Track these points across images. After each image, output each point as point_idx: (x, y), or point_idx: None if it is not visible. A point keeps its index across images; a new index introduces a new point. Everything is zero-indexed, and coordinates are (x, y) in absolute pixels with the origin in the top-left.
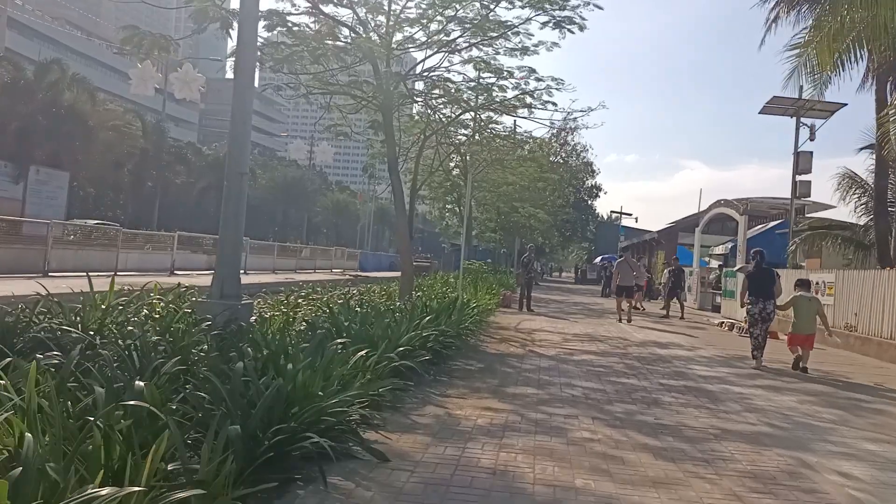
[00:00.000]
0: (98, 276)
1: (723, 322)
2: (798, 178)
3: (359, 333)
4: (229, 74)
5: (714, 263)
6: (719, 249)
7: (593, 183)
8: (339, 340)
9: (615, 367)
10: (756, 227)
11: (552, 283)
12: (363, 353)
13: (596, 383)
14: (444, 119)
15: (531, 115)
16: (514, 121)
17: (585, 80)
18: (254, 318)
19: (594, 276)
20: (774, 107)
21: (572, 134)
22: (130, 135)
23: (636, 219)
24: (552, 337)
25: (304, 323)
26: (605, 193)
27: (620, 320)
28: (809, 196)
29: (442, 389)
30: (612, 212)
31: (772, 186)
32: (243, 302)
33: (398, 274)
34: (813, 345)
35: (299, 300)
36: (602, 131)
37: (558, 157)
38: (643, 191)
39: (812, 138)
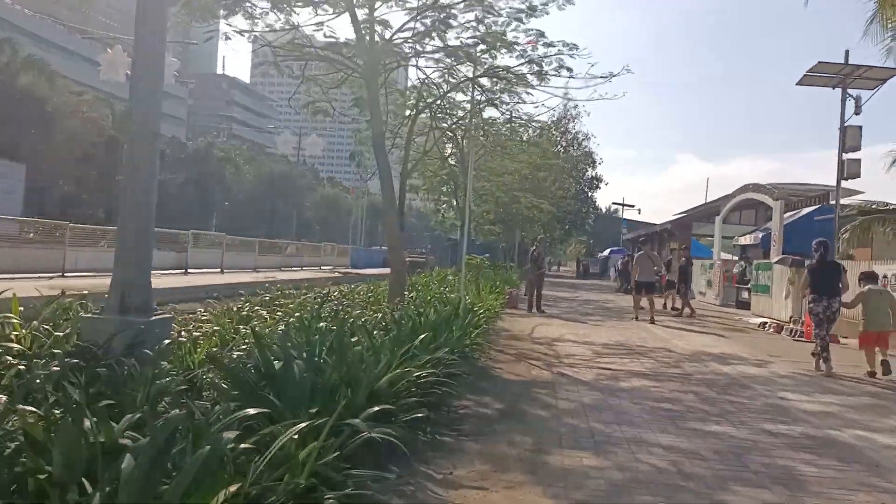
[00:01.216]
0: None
1: (766, 323)
2: (846, 156)
3: (303, 383)
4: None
5: (724, 254)
6: (745, 239)
7: (594, 174)
8: (250, 411)
9: (684, 399)
10: (788, 214)
11: (553, 277)
12: (301, 428)
13: (676, 436)
14: (438, 88)
15: (543, 83)
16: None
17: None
18: (169, 340)
19: (597, 270)
20: (817, 75)
21: (574, 121)
22: (96, 123)
23: (639, 210)
24: (579, 349)
25: (245, 344)
26: (607, 185)
27: (637, 318)
28: (859, 176)
29: (445, 464)
30: (613, 203)
31: (765, 180)
32: (156, 317)
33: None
34: (888, 343)
35: (256, 308)
36: (599, 125)
37: (559, 147)
38: (640, 185)
39: (858, 112)
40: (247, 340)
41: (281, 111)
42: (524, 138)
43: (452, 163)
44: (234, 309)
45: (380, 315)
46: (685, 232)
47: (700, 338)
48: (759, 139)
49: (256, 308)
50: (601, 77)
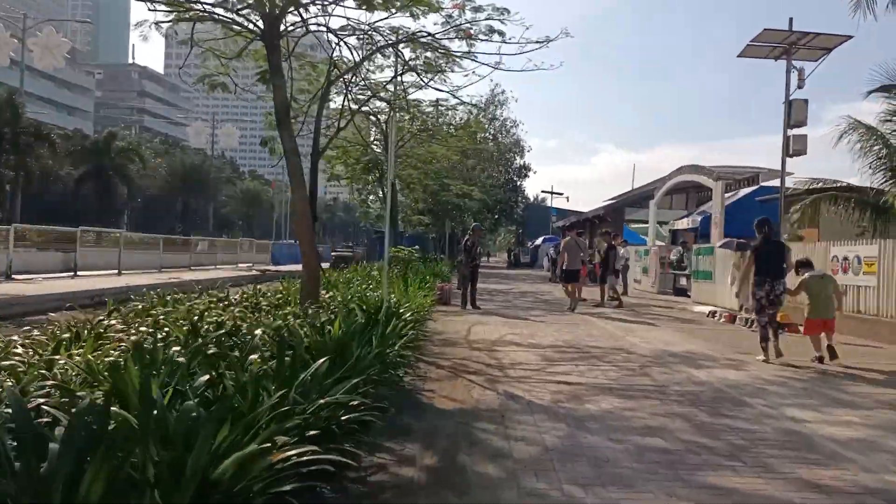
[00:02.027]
0: None
1: (715, 312)
2: (791, 132)
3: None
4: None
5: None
6: (681, 223)
7: (523, 162)
8: None
9: (674, 429)
10: (726, 196)
11: (484, 268)
12: None
13: (693, 503)
14: (354, 52)
15: (472, 51)
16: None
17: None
18: None
19: (528, 259)
20: (761, 45)
21: (501, 107)
22: None
23: (567, 198)
24: (526, 355)
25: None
26: (535, 173)
27: (574, 309)
28: (805, 152)
29: None
30: (542, 191)
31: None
32: None
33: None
34: (834, 329)
35: (109, 324)
36: (523, 115)
37: (488, 133)
38: (565, 174)
39: (801, 85)
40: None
41: (198, 103)
42: (452, 122)
43: (377, 149)
44: (75, 324)
45: (282, 322)
46: (618, 218)
47: (654, 332)
48: (679, 128)
49: (112, 324)
50: (537, 42)
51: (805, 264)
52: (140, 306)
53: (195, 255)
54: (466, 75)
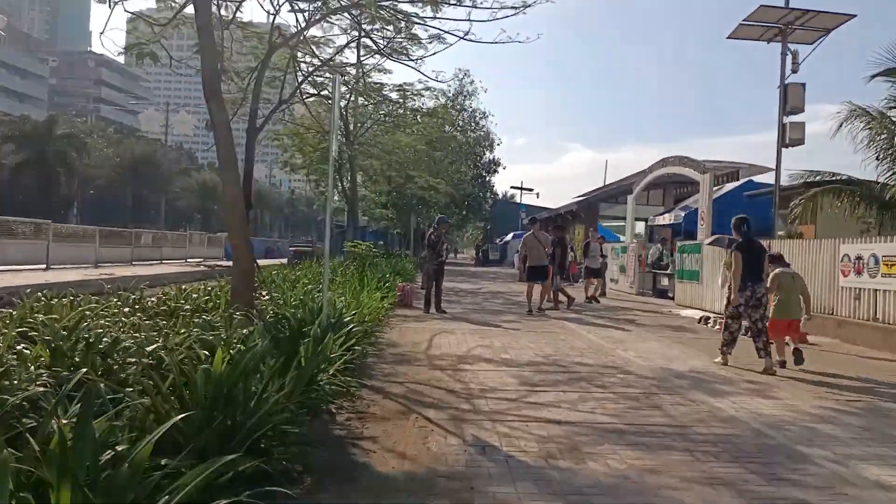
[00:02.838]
0: None
1: (708, 318)
2: (787, 119)
3: None
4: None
5: (629, 238)
6: (663, 219)
7: (492, 157)
8: None
9: None
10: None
11: (451, 265)
12: None
13: None
14: (299, 17)
15: (438, 17)
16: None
17: (472, 68)
18: None
19: (497, 256)
20: (754, 24)
21: (470, 98)
22: None
23: (537, 194)
24: (500, 377)
25: None
26: (504, 168)
27: (530, 312)
28: (803, 142)
29: None
30: (512, 186)
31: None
32: None
33: (273, 262)
34: (799, 330)
35: None
36: (494, 113)
37: (456, 124)
38: (535, 172)
39: (796, 69)
40: None
41: (157, 92)
42: (418, 108)
43: (338, 137)
44: None
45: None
46: (592, 214)
47: (647, 344)
48: (644, 129)
49: None
50: (512, 7)
51: (777, 259)
52: (13, 313)
53: (138, 249)
54: (431, 42)
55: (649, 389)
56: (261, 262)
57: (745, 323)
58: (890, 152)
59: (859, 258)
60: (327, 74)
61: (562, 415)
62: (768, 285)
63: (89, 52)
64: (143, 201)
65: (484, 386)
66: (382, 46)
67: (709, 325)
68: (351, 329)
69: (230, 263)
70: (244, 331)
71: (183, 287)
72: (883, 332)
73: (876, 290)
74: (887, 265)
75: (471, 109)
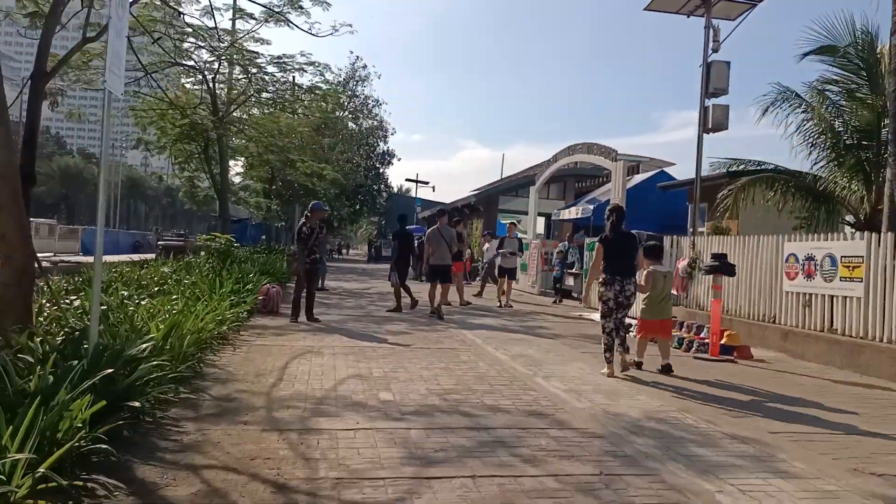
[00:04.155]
0: None
1: (630, 325)
2: (709, 101)
3: None
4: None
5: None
6: (568, 213)
7: (386, 148)
8: None
9: None
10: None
11: (341, 262)
12: None
13: None
14: None
15: None
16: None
17: (367, 56)
18: None
19: (389, 252)
20: None
21: (363, 83)
22: None
23: (433, 188)
24: (375, 447)
25: None
26: (399, 160)
27: (433, 313)
28: (726, 126)
29: None
30: (407, 179)
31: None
32: None
33: (141, 257)
34: (670, 333)
35: None
36: (387, 107)
37: (347, 110)
38: (431, 168)
39: (717, 47)
40: None
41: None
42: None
43: (204, 112)
44: None
45: None
46: (490, 208)
47: (571, 367)
48: (532, 128)
49: None
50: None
51: (652, 252)
52: None
53: None
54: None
55: (604, 463)
56: (123, 258)
57: None
58: (824, 139)
59: (810, 258)
60: (198, 43)
61: None
62: (642, 282)
63: None
64: None
65: (344, 470)
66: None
67: (630, 333)
68: (141, 364)
69: (87, 259)
70: None
71: None
72: (842, 346)
73: (833, 296)
74: (847, 267)
75: (363, 96)
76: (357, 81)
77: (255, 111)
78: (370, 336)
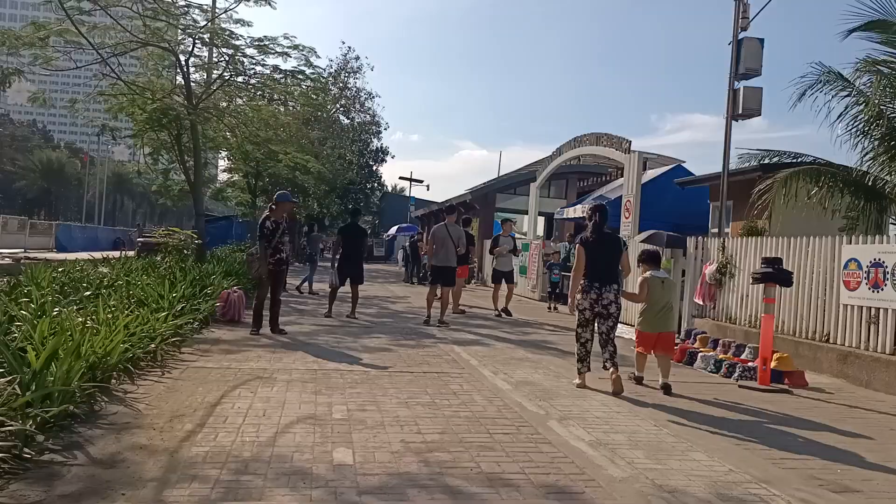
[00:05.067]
0: None
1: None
2: (740, 84)
3: None
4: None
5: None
6: (572, 211)
7: (380, 145)
8: None
9: None
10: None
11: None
12: None
13: None
14: None
15: None
16: None
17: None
18: None
19: (382, 252)
20: None
21: (355, 76)
22: None
23: (428, 187)
24: None
25: None
26: (393, 157)
27: (427, 322)
28: (759, 112)
29: None
30: (401, 177)
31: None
32: None
33: (118, 253)
34: (673, 346)
35: None
36: (387, 107)
37: (339, 105)
38: (427, 169)
39: (745, 26)
40: None
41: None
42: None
43: (179, 99)
44: None
45: None
46: (487, 206)
47: (593, 402)
48: (528, 129)
49: None
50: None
51: (650, 258)
52: None
53: None
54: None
55: None
56: (104, 254)
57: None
58: (873, 127)
59: (878, 265)
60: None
61: None
62: (637, 291)
63: None
64: None
65: None
66: None
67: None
68: None
69: (59, 256)
70: None
71: None
72: None
73: None
74: None
75: (355, 89)
76: (349, 73)
77: (238, 101)
78: (341, 354)
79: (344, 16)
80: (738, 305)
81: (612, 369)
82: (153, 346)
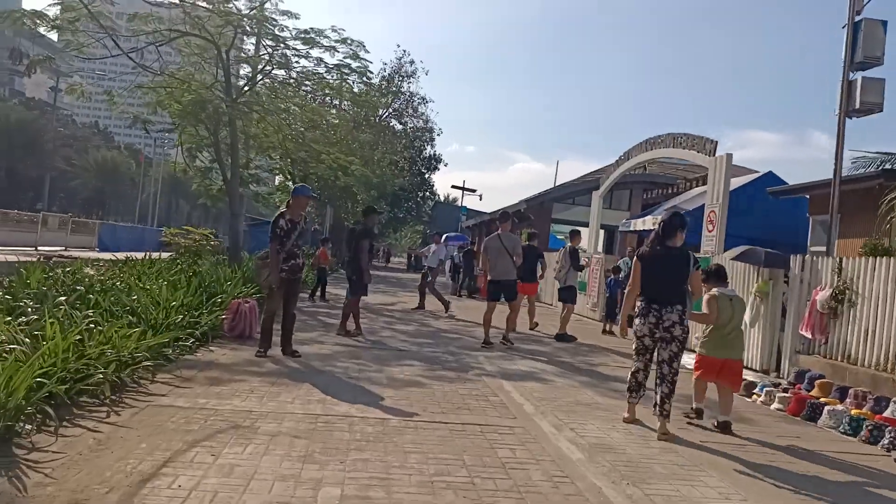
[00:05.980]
0: None
1: (755, 385)
2: (855, 75)
3: None
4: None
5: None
6: (643, 223)
7: (433, 152)
8: None
9: None
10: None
11: (376, 271)
12: None
13: None
14: None
15: None
16: None
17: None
18: None
19: (403, 259)
20: None
21: (408, 80)
22: None
23: (480, 196)
24: None
25: None
26: (446, 165)
27: (486, 343)
28: (880, 108)
29: None
30: (453, 186)
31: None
32: None
33: (161, 255)
34: (740, 378)
35: None
36: (444, 119)
37: (390, 109)
38: (482, 180)
39: (860, 9)
40: None
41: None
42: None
43: (219, 92)
44: None
45: None
46: (543, 216)
47: (695, 486)
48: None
49: None
50: None
51: (716, 275)
52: None
53: None
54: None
55: None
56: (147, 254)
57: None
58: None
59: None
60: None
61: None
62: (704, 309)
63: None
64: (18, 177)
65: None
66: None
67: (760, 399)
68: None
69: (102, 255)
70: None
71: None
72: None
73: None
74: None
75: (409, 93)
76: (402, 77)
77: (282, 97)
78: (358, 390)
79: (403, 27)
80: (861, 342)
81: (659, 420)
82: (102, 373)
